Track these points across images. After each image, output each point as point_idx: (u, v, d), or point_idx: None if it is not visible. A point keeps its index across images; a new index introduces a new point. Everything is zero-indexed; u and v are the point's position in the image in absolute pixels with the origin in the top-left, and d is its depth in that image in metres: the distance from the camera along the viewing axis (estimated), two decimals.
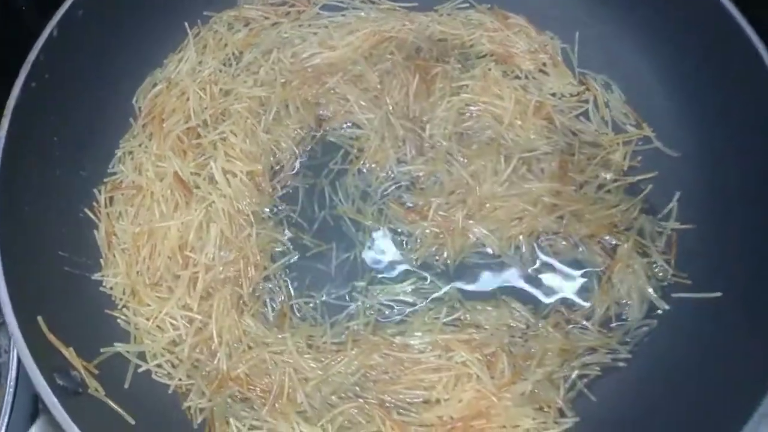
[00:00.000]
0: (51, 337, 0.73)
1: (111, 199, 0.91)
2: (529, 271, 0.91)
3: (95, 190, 0.91)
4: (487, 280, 0.91)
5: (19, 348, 0.70)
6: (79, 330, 0.79)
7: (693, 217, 0.91)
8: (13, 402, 0.74)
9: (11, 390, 0.75)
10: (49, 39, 0.84)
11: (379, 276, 0.91)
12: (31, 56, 0.83)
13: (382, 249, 0.92)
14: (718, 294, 0.83)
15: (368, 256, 0.92)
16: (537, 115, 0.97)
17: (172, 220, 0.88)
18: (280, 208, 0.94)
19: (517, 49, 1.04)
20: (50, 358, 0.72)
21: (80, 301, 0.83)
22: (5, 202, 0.78)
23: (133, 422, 0.75)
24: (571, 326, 0.87)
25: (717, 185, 0.91)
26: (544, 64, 1.03)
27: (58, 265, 0.83)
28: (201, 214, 0.89)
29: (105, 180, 0.92)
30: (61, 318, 0.77)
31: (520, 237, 0.91)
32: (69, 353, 0.74)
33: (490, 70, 1.00)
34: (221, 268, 0.87)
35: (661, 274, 0.89)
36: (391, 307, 0.89)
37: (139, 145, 0.94)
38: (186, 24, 1.01)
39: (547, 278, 0.90)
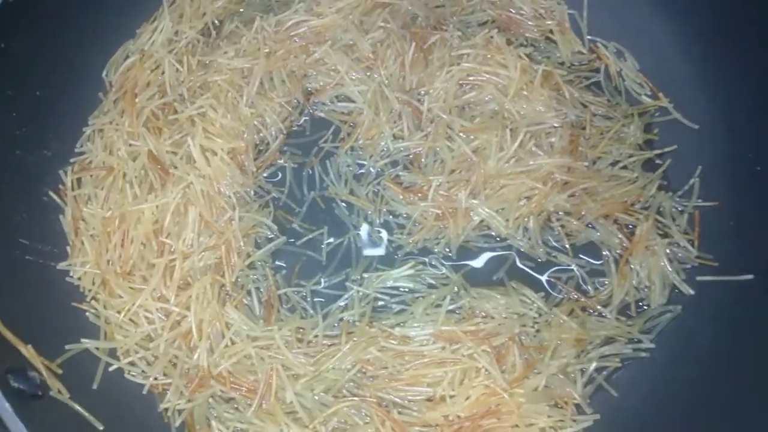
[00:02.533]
0: (6, 333, 0.65)
1: (78, 180, 0.83)
2: (540, 254, 0.83)
3: (61, 172, 0.83)
4: (494, 265, 0.83)
5: None
6: (40, 325, 0.71)
7: (716, 194, 0.84)
8: None
9: None
10: (4, 5, 0.76)
11: (375, 262, 0.83)
12: None
13: (378, 233, 0.84)
14: (749, 277, 0.76)
15: (363, 240, 0.84)
16: (545, 85, 0.89)
17: (147, 203, 0.80)
18: (265, 189, 0.86)
19: (521, 16, 0.96)
20: (3, 356, 0.64)
21: (43, 293, 0.76)
22: None
23: (101, 427, 0.68)
24: (586, 314, 0.79)
25: (742, 158, 0.84)
26: (551, 32, 0.96)
27: (18, 253, 0.75)
28: (178, 196, 0.80)
29: (72, 160, 0.84)
30: (21, 313, 0.70)
31: (529, 217, 0.83)
32: (27, 351, 0.66)
33: (492, 37, 0.92)
34: (200, 255, 0.79)
35: (683, 255, 0.81)
36: (389, 296, 0.81)
37: (110, 122, 0.86)
38: None
39: (559, 262, 0.82)
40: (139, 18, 0.93)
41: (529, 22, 0.96)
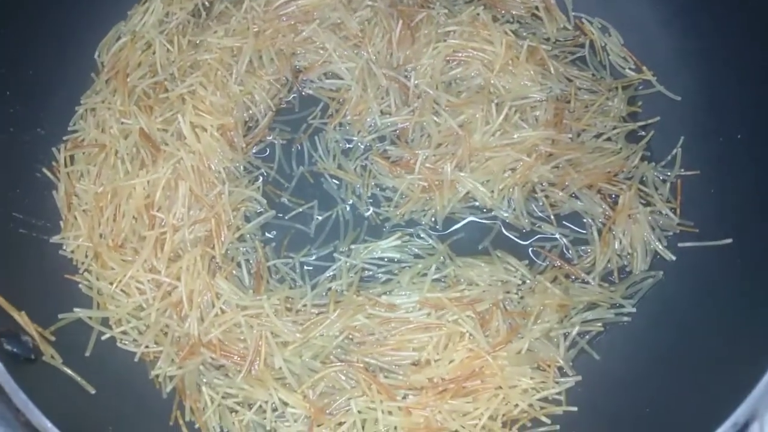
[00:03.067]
0: (0, 300, 0.67)
1: (71, 158, 0.85)
2: (524, 224, 0.84)
3: (54, 149, 0.84)
4: (479, 235, 0.84)
5: None
6: (35, 295, 0.73)
7: (696, 164, 0.85)
8: None
9: None
10: None
11: (363, 234, 0.84)
12: None
13: (365, 205, 0.86)
14: (729, 241, 0.77)
15: (350, 213, 0.85)
16: (530, 60, 0.90)
17: (138, 178, 0.82)
18: (254, 165, 0.88)
19: None
20: None
21: (37, 265, 0.77)
22: None
23: (93, 391, 0.69)
24: (570, 281, 0.81)
25: (722, 128, 0.84)
26: (537, 8, 0.97)
27: (12, 227, 0.77)
28: (168, 171, 0.82)
29: (65, 138, 0.86)
30: (15, 282, 0.72)
31: (514, 188, 0.85)
32: (21, 317, 0.68)
33: (478, 14, 0.93)
34: (191, 228, 0.81)
35: (665, 223, 0.83)
36: (377, 266, 0.82)
37: (102, 101, 0.88)
38: None
39: (543, 231, 0.84)
40: (131, 0, 0.95)
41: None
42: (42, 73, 0.85)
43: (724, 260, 0.77)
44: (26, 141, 0.82)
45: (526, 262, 0.82)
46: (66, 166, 0.84)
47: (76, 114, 0.88)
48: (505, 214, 0.85)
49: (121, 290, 0.78)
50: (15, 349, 0.64)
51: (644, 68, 0.92)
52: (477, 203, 0.86)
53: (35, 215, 0.80)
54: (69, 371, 0.69)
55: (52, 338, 0.71)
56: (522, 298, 0.79)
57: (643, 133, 0.89)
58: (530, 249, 0.84)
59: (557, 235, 0.83)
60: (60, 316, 0.73)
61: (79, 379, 0.69)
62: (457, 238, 0.84)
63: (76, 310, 0.75)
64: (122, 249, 0.80)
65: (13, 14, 0.81)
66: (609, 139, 0.88)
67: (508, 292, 0.79)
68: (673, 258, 0.81)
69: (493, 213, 0.85)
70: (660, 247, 0.82)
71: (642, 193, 0.84)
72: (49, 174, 0.83)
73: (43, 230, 0.80)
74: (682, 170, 0.85)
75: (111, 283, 0.78)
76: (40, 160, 0.83)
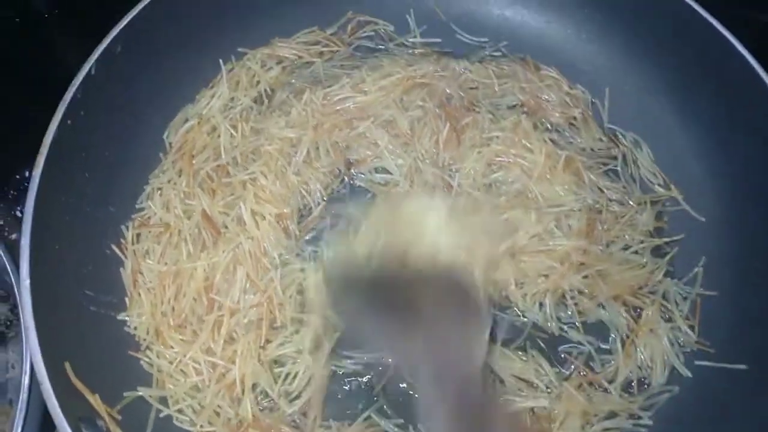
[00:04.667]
0: (78, 384, 0.73)
1: (138, 236, 0.91)
2: (553, 328, 0.90)
3: (123, 227, 0.90)
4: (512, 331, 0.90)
5: (47, 396, 0.69)
6: (103, 373, 0.79)
7: (715, 285, 0.92)
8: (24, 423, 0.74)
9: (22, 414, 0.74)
10: (86, 77, 0.84)
11: None
12: (68, 94, 0.83)
13: None
14: (743, 366, 0.83)
15: None
16: (566, 170, 0.97)
17: (200, 260, 0.88)
18: (305, 250, 0.94)
19: (548, 102, 1.04)
20: (76, 406, 0.72)
21: (105, 342, 0.83)
22: (38, 241, 0.77)
23: None
24: (593, 389, 0.87)
25: (743, 253, 0.91)
26: (575, 118, 1.03)
27: (85, 304, 0.82)
28: (228, 256, 0.88)
29: (132, 216, 0.92)
30: (86, 361, 0.77)
31: (546, 293, 0.91)
32: (95, 400, 0.74)
33: (520, 122, 1.00)
34: (245, 313, 0.86)
35: (684, 340, 0.89)
36: None
37: (168, 182, 0.94)
38: (220, 60, 1.01)
39: (570, 338, 0.90)
40: (199, 84, 1.01)
41: (555, 109, 1.04)
42: (116, 154, 0.91)
43: (739, 382, 0.83)
44: (98, 218, 0.88)
45: (557, 370, 0.87)
46: (133, 243, 0.90)
47: (143, 193, 0.94)
48: (537, 317, 0.91)
49: (180, 369, 0.84)
50: None
51: (672, 186, 0.99)
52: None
53: (104, 292, 0.85)
54: None
55: (119, 417, 0.76)
56: (548, 403, 0.85)
57: (668, 248, 0.95)
58: (556, 354, 0.89)
59: (584, 343, 0.89)
60: (125, 394, 0.79)
61: None
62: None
63: (139, 389, 0.81)
64: (182, 328, 0.86)
65: (95, 101, 0.87)
66: (636, 252, 0.94)
67: (536, 398, 0.85)
68: (690, 374, 0.87)
69: (526, 315, 0.91)
70: (678, 362, 0.88)
71: (663, 308, 0.91)
72: (117, 251, 0.89)
73: (110, 307, 0.85)
74: (702, 289, 0.92)
75: (170, 362, 0.83)
76: (109, 236, 0.89)
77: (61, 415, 0.68)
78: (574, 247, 0.92)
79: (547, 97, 1.04)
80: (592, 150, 1.02)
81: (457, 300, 0.74)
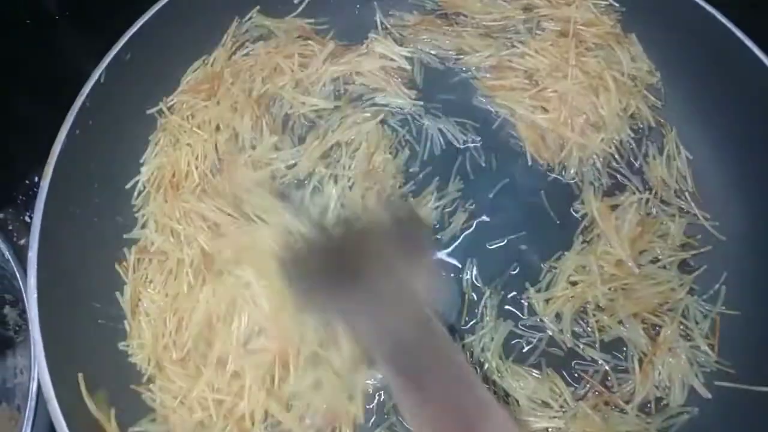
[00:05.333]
0: (97, 414, 0.72)
1: (138, 261, 0.88)
2: (567, 342, 0.88)
3: (125, 249, 0.88)
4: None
5: (54, 415, 0.68)
6: (114, 400, 0.77)
7: (737, 304, 0.89)
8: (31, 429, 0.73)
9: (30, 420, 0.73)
10: (96, 84, 0.83)
11: None
12: (78, 102, 0.81)
13: None
14: (765, 389, 0.81)
15: None
16: None
17: (201, 293, 0.83)
18: None
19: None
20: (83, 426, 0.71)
21: (113, 371, 0.81)
22: (46, 251, 0.76)
23: None
24: (609, 408, 0.85)
25: (764, 273, 0.89)
26: None
27: (93, 317, 0.81)
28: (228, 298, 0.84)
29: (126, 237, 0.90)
30: (94, 376, 0.76)
31: (565, 304, 0.89)
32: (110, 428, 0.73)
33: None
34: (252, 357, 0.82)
35: (703, 359, 0.87)
36: None
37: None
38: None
39: (585, 354, 0.88)
40: None
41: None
42: (123, 163, 0.91)
43: (761, 405, 0.81)
44: (106, 229, 0.87)
45: (572, 389, 0.85)
46: (134, 271, 0.87)
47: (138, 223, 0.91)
48: (553, 328, 0.88)
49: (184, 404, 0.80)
50: None
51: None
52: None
53: (112, 304, 0.84)
54: None
55: None
56: (565, 423, 0.83)
57: (695, 265, 0.93)
58: (571, 371, 0.87)
59: (600, 360, 0.87)
60: (130, 430, 0.77)
61: None
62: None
63: (144, 424, 0.78)
64: (185, 362, 0.82)
65: (104, 111, 0.86)
66: (664, 267, 0.92)
67: (552, 417, 0.83)
68: (709, 396, 0.85)
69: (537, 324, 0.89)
70: (697, 382, 0.85)
71: (682, 326, 0.88)
72: (120, 272, 0.87)
73: (118, 320, 0.84)
74: (723, 308, 0.89)
75: (174, 397, 0.80)
76: (116, 248, 0.88)
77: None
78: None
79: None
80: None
81: (387, 248, 0.76)
